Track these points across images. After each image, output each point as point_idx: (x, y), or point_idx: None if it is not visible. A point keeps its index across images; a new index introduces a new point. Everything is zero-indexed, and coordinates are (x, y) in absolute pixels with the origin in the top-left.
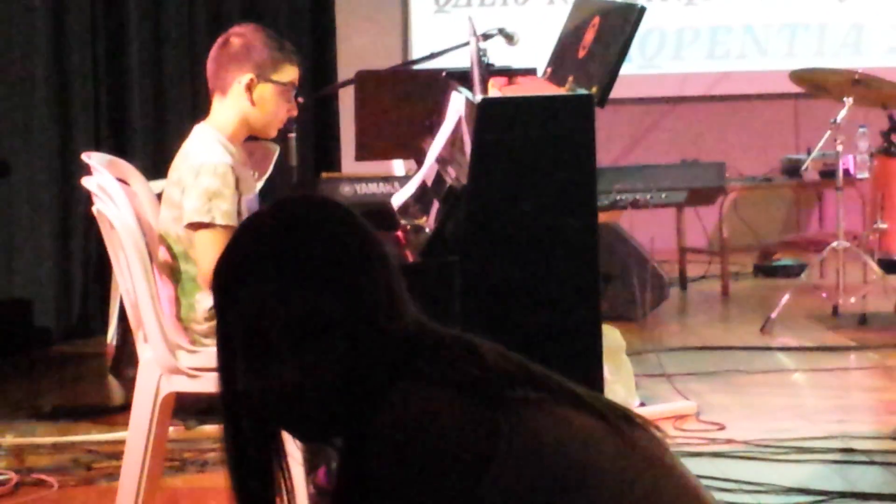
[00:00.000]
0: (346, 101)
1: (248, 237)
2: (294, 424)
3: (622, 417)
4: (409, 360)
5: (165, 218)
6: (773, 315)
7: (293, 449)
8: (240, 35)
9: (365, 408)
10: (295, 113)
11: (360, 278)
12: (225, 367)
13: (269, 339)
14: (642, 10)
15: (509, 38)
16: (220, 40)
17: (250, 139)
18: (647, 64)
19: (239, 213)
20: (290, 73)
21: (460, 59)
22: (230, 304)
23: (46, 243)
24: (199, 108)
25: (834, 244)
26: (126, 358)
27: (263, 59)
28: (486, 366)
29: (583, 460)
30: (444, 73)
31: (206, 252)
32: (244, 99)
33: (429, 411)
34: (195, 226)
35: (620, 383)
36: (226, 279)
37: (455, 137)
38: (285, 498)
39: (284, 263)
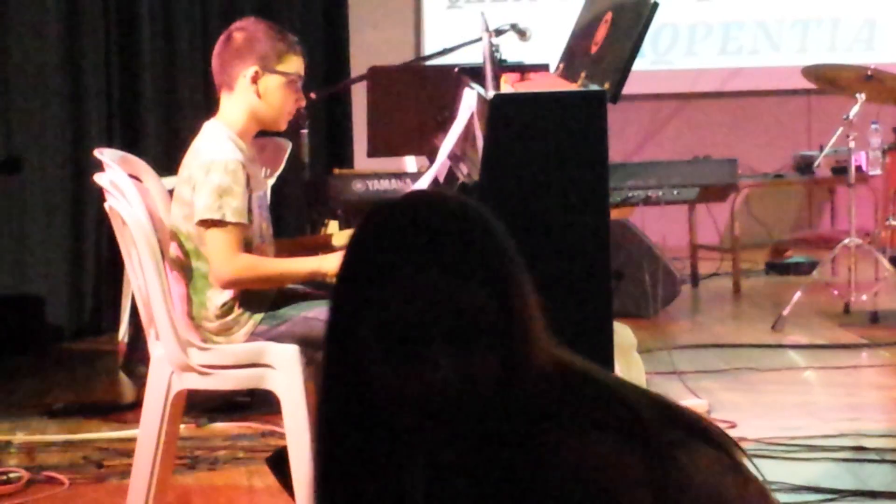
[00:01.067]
0: (359, 97)
1: (392, 224)
2: (439, 431)
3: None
4: (559, 393)
5: (176, 215)
6: (785, 312)
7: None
8: (242, 29)
9: (513, 441)
10: (303, 104)
11: (514, 280)
12: (356, 363)
13: (423, 335)
14: (655, 5)
15: (522, 34)
16: (222, 37)
17: (261, 134)
18: (659, 60)
19: (249, 210)
20: (294, 64)
21: (473, 55)
22: (378, 293)
23: (59, 240)
24: (211, 105)
25: (846, 241)
26: (137, 355)
27: (267, 51)
28: (634, 407)
29: (726, 496)
30: (456, 69)
31: (217, 249)
32: (250, 92)
33: (592, 463)
34: (206, 223)
35: (632, 381)
36: (373, 268)
37: (467, 134)
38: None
39: (439, 253)
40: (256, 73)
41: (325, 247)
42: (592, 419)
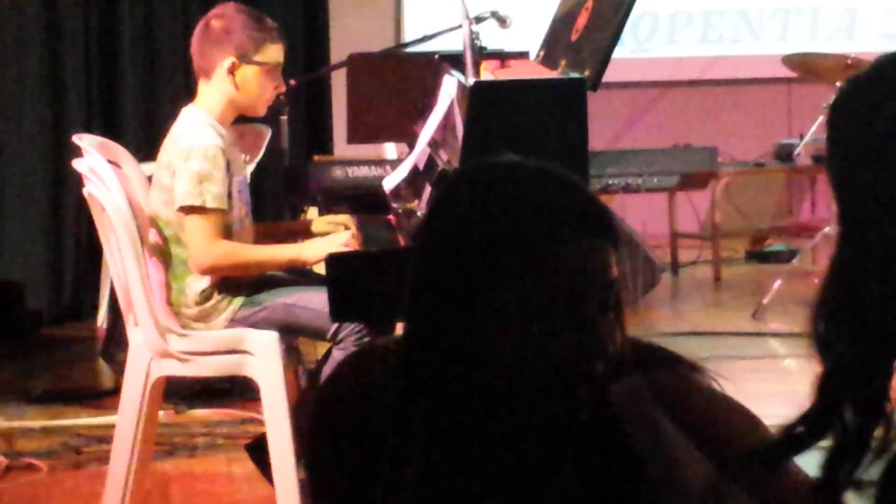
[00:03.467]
0: (339, 83)
1: (534, 194)
2: None
3: None
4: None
5: (155, 201)
6: (765, 301)
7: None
8: (219, 17)
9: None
10: (283, 90)
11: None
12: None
13: (587, 303)
14: None
15: (502, 21)
16: (200, 23)
17: (240, 120)
18: (639, 48)
19: (229, 196)
20: (273, 53)
21: (453, 42)
22: (542, 262)
23: (38, 225)
24: (191, 90)
25: (826, 229)
26: (116, 341)
27: (243, 42)
28: (663, 348)
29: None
30: (436, 56)
31: (196, 236)
32: (227, 82)
33: (674, 391)
34: (186, 209)
35: None
36: (533, 238)
37: (447, 121)
38: None
39: (589, 223)
40: (234, 63)
41: (304, 233)
42: (656, 360)
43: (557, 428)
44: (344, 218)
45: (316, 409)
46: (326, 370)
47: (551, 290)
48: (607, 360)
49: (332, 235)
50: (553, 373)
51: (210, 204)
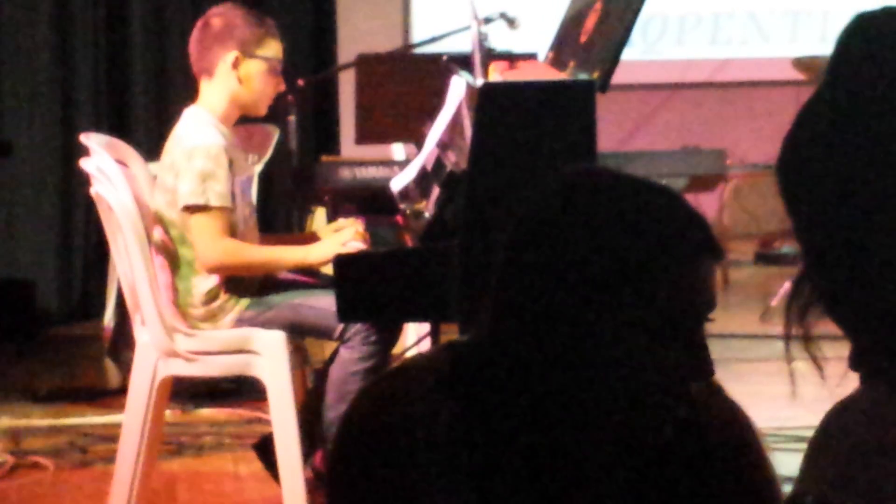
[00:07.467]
0: (347, 84)
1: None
2: None
3: None
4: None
5: (160, 202)
6: (774, 303)
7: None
8: (219, 15)
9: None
10: (283, 88)
11: None
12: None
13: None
14: None
15: (511, 23)
16: (199, 23)
17: (248, 121)
18: (648, 50)
19: (232, 195)
20: (274, 48)
21: (461, 43)
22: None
23: (48, 224)
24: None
25: None
26: (124, 340)
27: (246, 36)
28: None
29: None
30: (444, 57)
31: (202, 234)
32: (231, 78)
33: (722, 410)
34: (190, 209)
35: None
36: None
37: (455, 122)
38: None
39: (695, 237)
40: (237, 58)
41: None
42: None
43: (643, 443)
44: (349, 221)
45: (342, 444)
46: (333, 370)
47: (667, 307)
48: (706, 378)
49: (336, 235)
50: (651, 390)
51: (214, 202)
